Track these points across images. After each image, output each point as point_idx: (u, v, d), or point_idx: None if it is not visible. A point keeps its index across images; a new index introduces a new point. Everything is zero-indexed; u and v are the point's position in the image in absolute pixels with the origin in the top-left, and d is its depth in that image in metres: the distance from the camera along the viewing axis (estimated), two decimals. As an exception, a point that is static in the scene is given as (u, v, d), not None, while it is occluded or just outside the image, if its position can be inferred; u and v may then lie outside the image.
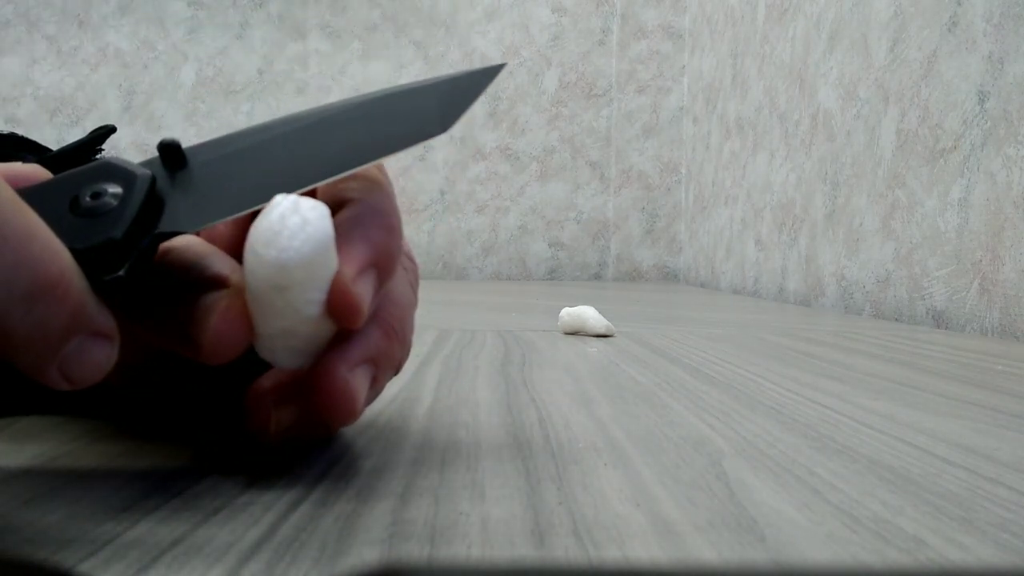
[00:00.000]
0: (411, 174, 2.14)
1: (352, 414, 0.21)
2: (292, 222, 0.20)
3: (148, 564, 0.16)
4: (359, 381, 0.22)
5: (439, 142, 2.14)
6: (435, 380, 0.41)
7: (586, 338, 0.64)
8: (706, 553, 0.18)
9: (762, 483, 0.23)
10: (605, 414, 0.33)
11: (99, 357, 0.19)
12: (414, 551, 0.17)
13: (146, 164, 0.22)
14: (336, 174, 0.22)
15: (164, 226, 0.21)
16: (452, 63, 2.14)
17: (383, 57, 2.15)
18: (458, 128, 2.14)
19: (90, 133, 0.29)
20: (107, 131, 0.30)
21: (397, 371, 0.24)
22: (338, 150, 0.23)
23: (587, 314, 0.66)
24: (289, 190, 0.21)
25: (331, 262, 0.21)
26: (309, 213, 0.20)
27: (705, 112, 1.89)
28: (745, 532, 0.19)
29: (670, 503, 0.21)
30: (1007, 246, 0.75)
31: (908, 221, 0.94)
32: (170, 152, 0.22)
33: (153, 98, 2.15)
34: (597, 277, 2.16)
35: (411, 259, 0.27)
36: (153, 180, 0.21)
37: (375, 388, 0.23)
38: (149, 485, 0.22)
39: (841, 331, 0.73)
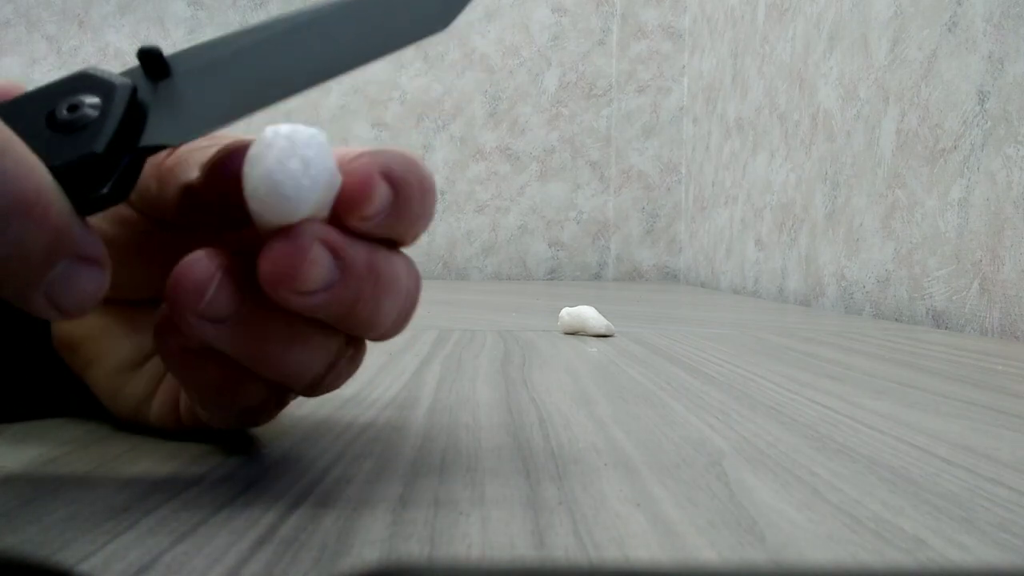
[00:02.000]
0: (411, 174, 2.14)
1: (294, 275, 0.19)
2: (292, 167, 0.19)
3: (148, 564, 0.16)
4: (316, 249, 0.19)
5: (439, 142, 2.14)
6: (435, 380, 0.41)
7: (586, 338, 0.64)
8: (706, 553, 0.18)
9: (762, 483, 0.23)
10: (605, 414, 0.33)
11: (89, 284, 0.18)
12: (414, 551, 0.17)
13: (126, 74, 0.21)
14: (330, 77, 0.21)
15: (148, 139, 0.20)
16: (452, 63, 2.14)
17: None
18: (458, 128, 2.14)
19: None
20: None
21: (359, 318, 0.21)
22: (332, 51, 0.21)
23: (587, 314, 0.66)
24: (282, 96, 0.20)
25: (337, 186, 0.20)
26: (307, 151, 0.19)
27: (705, 112, 1.89)
28: (745, 532, 0.19)
29: (670, 503, 0.21)
30: (1007, 246, 0.75)
31: (908, 221, 0.94)
32: (151, 60, 0.21)
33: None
34: (597, 277, 2.16)
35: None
36: (134, 90, 0.20)
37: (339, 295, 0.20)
38: (149, 485, 0.22)
39: (841, 331, 0.73)
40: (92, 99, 0.19)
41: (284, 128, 0.19)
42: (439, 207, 2.14)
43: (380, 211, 0.20)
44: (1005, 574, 0.15)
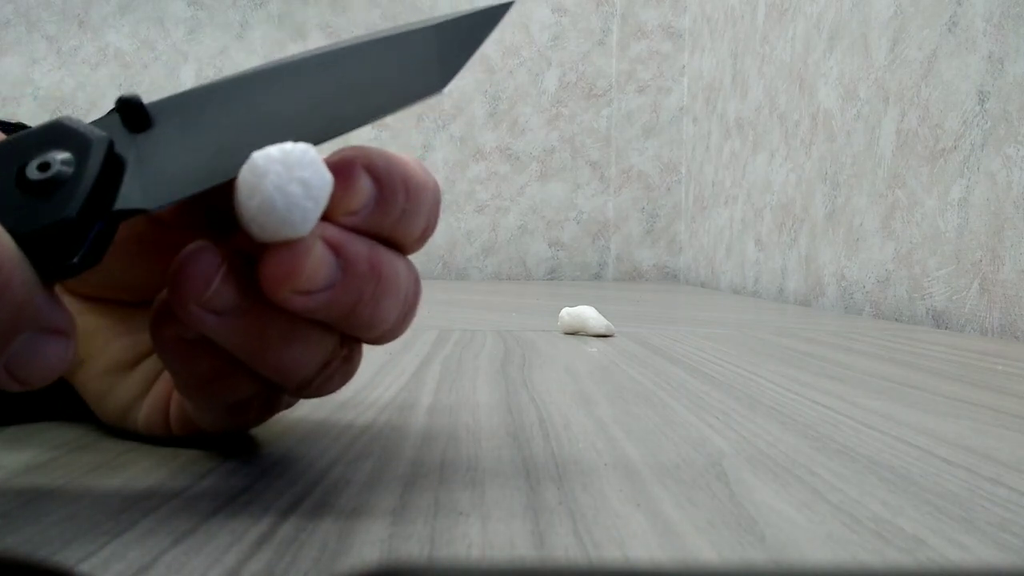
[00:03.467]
0: (411, 174, 2.14)
1: (297, 274, 0.19)
2: (293, 192, 0.18)
3: (148, 564, 0.16)
4: (319, 247, 0.19)
5: (439, 142, 2.14)
6: (435, 380, 0.41)
7: (586, 338, 0.64)
8: (706, 553, 0.18)
9: (762, 483, 0.23)
10: (605, 414, 0.33)
11: (51, 356, 0.17)
12: (414, 551, 0.17)
13: (103, 123, 0.19)
14: (320, 141, 0.20)
15: (124, 202, 0.18)
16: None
17: (383, 57, 2.14)
18: (458, 128, 2.14)
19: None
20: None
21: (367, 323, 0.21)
22: (323, 112, 0.20)
23: (587, 314, 0.66)
24: None
25: (330, 192, 0.19)
26: (304, 172, 0.18)
27: (705, 112, 1.89)
28: (745, 532, 0.19)
29: (670, 503, 0.21)
30: (1007, 246, 0.75)
31: (908, 221, 0.94)
32: (131, 110, 0.19)
33: (153, 98, 2.15)
34: (597, 277, 2.16)
35: None
36: (111, 145, 0.18)
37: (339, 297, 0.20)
38: (149, 486, 0.22)
39: (841, 331, 0.73)
40: (65, 155, 0.18)
41: (274, 151, 0.18)
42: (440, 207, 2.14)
43: (364, 205, 0.20)
44: (1005, 574, 0.15)
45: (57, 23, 2.14)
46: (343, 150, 0.20)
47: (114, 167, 0.18)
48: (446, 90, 2.13)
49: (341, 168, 0.20)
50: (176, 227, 0.24)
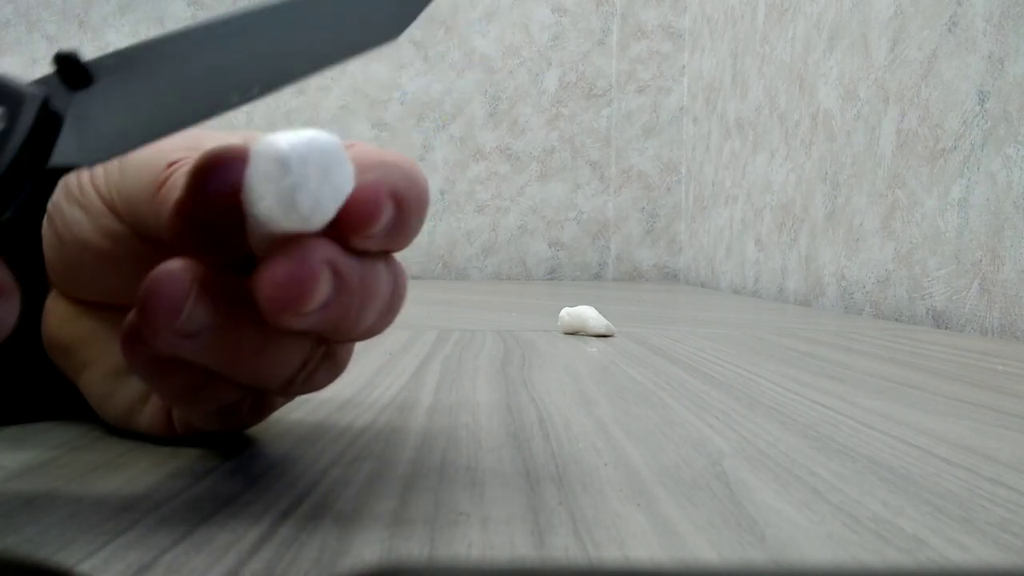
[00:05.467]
0: (411, 174, 2.14)
1: (301, 298, 0.18)
2: (324, 194, 0.18)
3: (148, 564, 0.16)
4: (325, 273, 0.19)
5: (439, 142, 2.14)
6: (435, 380, 0.41)
7: (586, 338, 0.64)
8: (706, 553, 0.18)
9: (762, 483, 0.23)
10: (605, 414, 0.33)
11: None
12: (414, 551, 0.17)
13: (42, 81, 0.19)
14: (269, 90, 0.19)
15: (59, 158, 0.18)
16: (452, 63, 2.14)
17: (382, 57, 2.15)
18: (458, 128, 2.14)
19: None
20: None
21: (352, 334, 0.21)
22: (271, 60, 0.19)
23: (587, 314, 0.66)
24: (214, 112, 0.18)
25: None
26: (338, 175, 0.18)
27: (705, 112, 1.89)
28: (745, 532, 0.19)
29: (670, 503, 0.21)
30: (1007, 246, 0.75)
31: (908, 221, 0.94)
32: (69, 66, 0.18)
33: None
34: (597, 277, 2.16)
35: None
36: (45, 102, 0.18)
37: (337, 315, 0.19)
38: (149, 485, 0.22)
39: (841, 331, 0.73)
40: None
41: (302, 144, 0.18)
42: (439, 207, 2.14)
43: (382, 231, 0.20)
44: (1005, 574, 0.15)
45: (57, 23, 2.14)
46: (370, 170, 0.20)
47: (49, 124, 0.18)
48: (442, 87, 2.13)
49: (368, 194, 0.19)
50: (182, 250, 0.23)
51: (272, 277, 0.18)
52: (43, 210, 0.18)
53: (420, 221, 0.21)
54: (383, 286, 0.21)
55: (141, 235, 0.24)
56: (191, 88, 0.19)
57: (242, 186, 0.18)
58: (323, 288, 0.19)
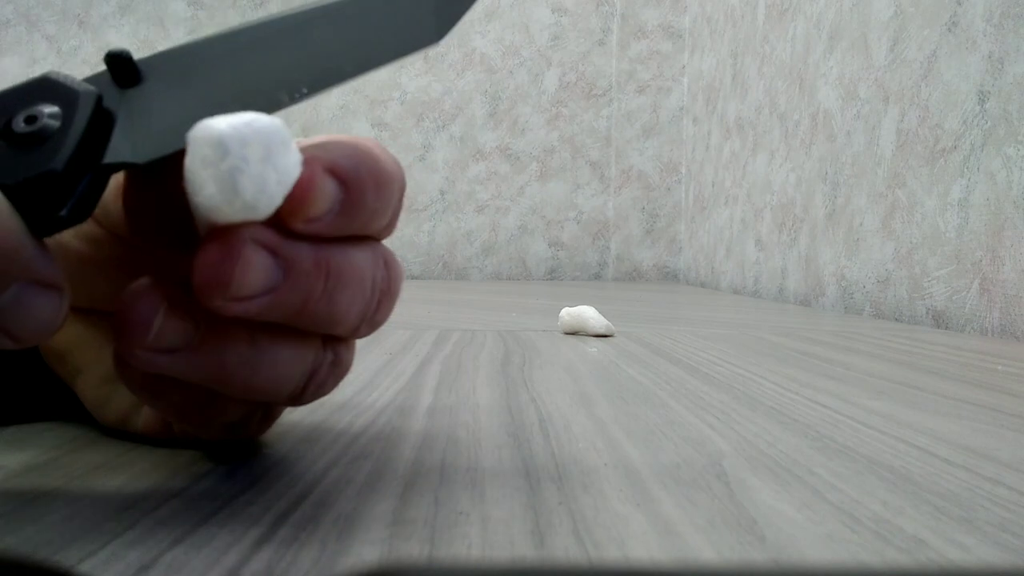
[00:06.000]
0: (411, 174, 2.14)
1: (225, 282, 0.18)
2: (267, 178, 0.17)
3: (148, 564, 0.16)
4: (250, 252, 0.18)
5: (439, 142, 2.14)
6: (435, 380, 0.41)
7: (586, 338, 0.64)
8: (706, 553, 0.18)
9: (762, 483, 0.23)
10: (605, 414, 0.33)
11: (44, 310, 0.17)
12: (414, 551, 0.17)
13: (93, 80, 0.19)
14: (316, 91, 0.19)
15: (113, 155, 0.18)
16: (452, 63, 2.14)
17: (383, 57, 2.14)
18: (458, 128, 2.14)
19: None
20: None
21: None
22: (318, 62, 0.19)
23: (587, 314, 0.66)
24: (262, 110, 0.18)
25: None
26: (281, 156, 0.17)
27: (705, 112, 1.89)
28: (745, 532, 0.19)
29: (670, 503, 0.21)
30: (1007, 246, 0.75)
31: (908, 221, 0.94)
32: (120, 65, 0.19)
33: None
34: (597, 277, 2.16)
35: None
36: (99, 99, 0.18)
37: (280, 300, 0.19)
38: (149, 485, 0.22)
39: (841, 331, 0.73)
40: (52, 108, 0.18)
41: (243, 127, 0.17)
42: (439, 207, 2.14)
43: (328, 211, 0.19)
44: (1005, 574, 0.15)
45: (57, 23, 2.14)
46: (305, 148, 0.19)
47: (102, 121, 0.18)
48: (441, 87, 2.13)
49: (303, 171, 0.18)
50: (142, 244, 0.23)
51: (201, 261, 0.18)
52: (94, 208, 0.18)
53: (382, 199, 0.20)
54: (361, 272, 0.20)
55: (118, 237, 0.23)
56: (241, 87, 0.19)
57: (183, 176, 0.18)
58: (257, 271, 0.18)
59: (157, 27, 2.14)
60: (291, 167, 0.18)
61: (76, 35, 2.14)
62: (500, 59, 2.14)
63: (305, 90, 0.19)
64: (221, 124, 0.17)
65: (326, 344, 0.22)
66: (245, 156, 0.17)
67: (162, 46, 2.14)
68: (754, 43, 1.52)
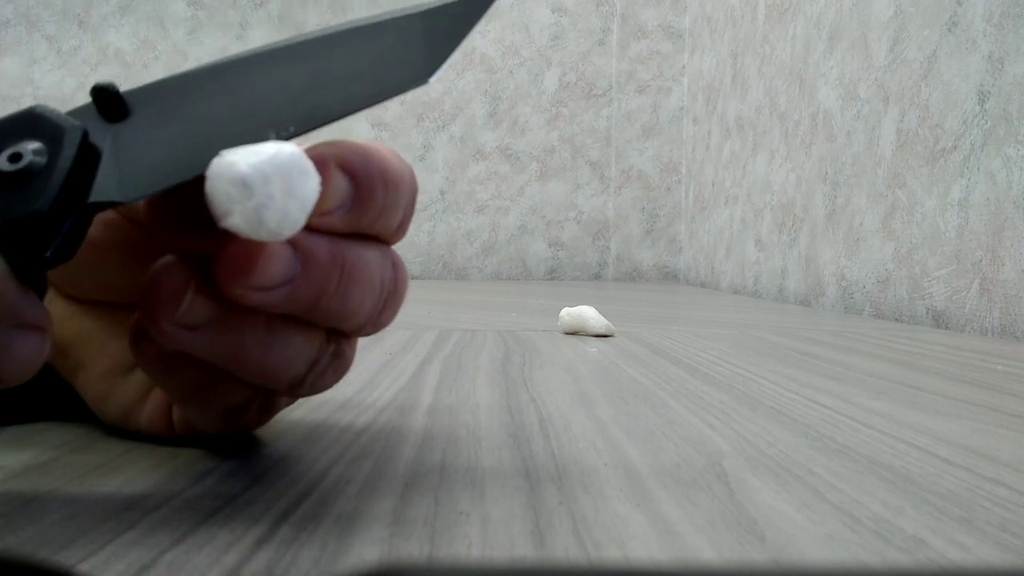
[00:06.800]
0: (411, 174, 2.14)
1: (252, 271, 0.18)
2: (290, 210, 0.17)
3: (148, 564, 0.16)
4: (272, 245, 0.18)
5: (439, 142, 2.14)
6: (435, 380, 0.41)
7: (586, 338, 0.64)
8: (706, 553, 0.18)
9: (762, 483, 0.23)
10: (605, 414, 0.33)
11: (25, 352, 0.17)
12: (414, 551, 0.17)
13: (78, 113, 0.18)
14: (304, 130, 0.19)
15: (98, 194, 0.17)
16: (452, 63, 2.13)
17: (383, 57, 2.14)
18: (458, 128, 2.14)
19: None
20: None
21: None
22: (306, 101, 0.19)
23: (587, 314, 0.66)
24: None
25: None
26: (300, 188, 0.17)
27: (705, 112, 1.89)
28: (745, 532, 0.19)
29: (670, 503, 0.21)
30: (1007, 246, 0.75)
31: (908, 221, 0.94)
32: (107, 99, 0.18)
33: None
34: (597, 277, 2.16)
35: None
36: (85, 135, 0.17)
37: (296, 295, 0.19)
38: (149, 485, 0.22)
39: (841, 331, 0.73)
40: (37, 145, 0.17)
41: (258, 159, 0.17)
42: (439, 207, 2.14)
43: (340, 205, 0.20)
44: (1005, 574, 0.15)
45: (57, 23, 2.14)
46: (316, 146, 0.20)
47: (88, 158, 0.18)
48: (442, 87, 2.13)
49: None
50: (161, 230, 0.23)
51: (227, 253, 0.18)
52: (79, 247, 0.18)
53: (391, 196, 0.21)
54: (372, 270, 0.21)
55: (135, 222, 0.24)
56: (229, 125, 0.19)
57: (205, 198, 0.18)
58: (279, 263, 0.19)
59: (157, 27, 2.14)
60: (311, 193, 0.18)
61: (76, 35, 2.14)
62: (500, 59, 2.14)
63: (292, 128, 0.19)
64: (243, 164, 0.17)
65: (330, 337, 0.22)
66: (270, 193, 0.17)
67: (162, 46, 2.14)
68: (754, 43, 1.52)
